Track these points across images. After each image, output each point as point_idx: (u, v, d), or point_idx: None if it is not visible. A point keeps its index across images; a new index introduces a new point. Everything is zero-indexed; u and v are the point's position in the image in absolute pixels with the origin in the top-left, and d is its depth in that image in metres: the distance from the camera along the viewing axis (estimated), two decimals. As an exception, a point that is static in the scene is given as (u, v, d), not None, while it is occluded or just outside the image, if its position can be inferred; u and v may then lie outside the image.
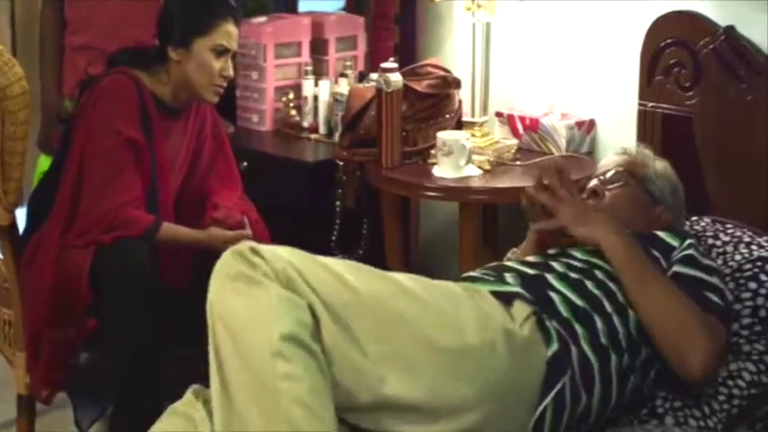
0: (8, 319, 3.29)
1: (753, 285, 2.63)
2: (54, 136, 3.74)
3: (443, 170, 3.44)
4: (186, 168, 3.34)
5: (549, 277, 2.44)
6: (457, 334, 2.20)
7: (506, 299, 2.35)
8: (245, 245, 2.14)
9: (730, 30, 3.11)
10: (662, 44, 3.23)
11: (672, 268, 2.54)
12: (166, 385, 3.16)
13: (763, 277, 2.63)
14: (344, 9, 4.54)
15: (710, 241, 2.79)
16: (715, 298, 2.50)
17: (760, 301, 2.61)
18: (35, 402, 3.32)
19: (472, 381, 2.19)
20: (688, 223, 2.84)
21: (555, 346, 2.29)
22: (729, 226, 2.83)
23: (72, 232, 3.10)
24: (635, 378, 2.44)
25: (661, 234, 2.63)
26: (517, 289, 2.37)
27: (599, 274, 2.48)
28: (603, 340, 2.37)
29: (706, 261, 2.58)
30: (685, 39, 3.18)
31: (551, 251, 2.62)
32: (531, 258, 2.57)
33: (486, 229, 3.80)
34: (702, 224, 2.86)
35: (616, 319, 2.41)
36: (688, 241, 2.60)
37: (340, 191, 3.73)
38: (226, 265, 2.13)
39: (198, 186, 3.37)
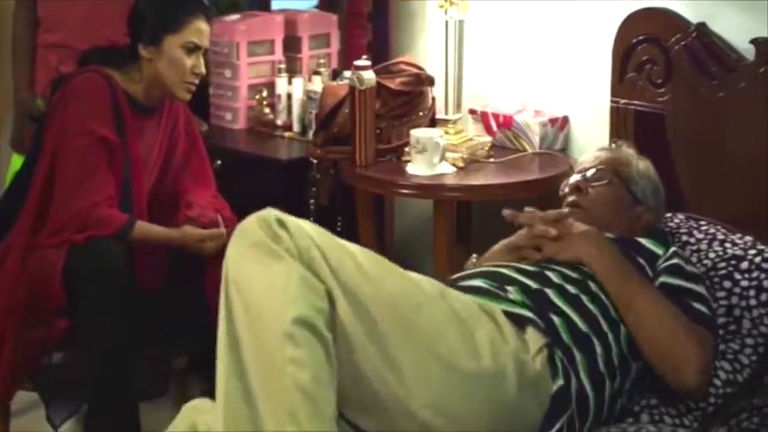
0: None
1: (727, 284, 2.64)
2: (27, 135, 3.72)
3: (417, 168, 3.44)
4: (159, 167, 3.34)
5: (550, 293, 2.42)
6: (472, 356, 2.18)
7: (519, 322, 2.32)
8: (272, 213, 2.10)
9: (702, 26, 3.12)
10: (634, 41, 3.24)
11: (659, 278, 2.54)
12: (140, 385, 3.17)
13: (737, 276, 2.64)
14: (317, 7, 4.53)
15: (684, 238, 2.80)
16: (702, 308, 2.50)
17: (734, 300, 2.62)
18: (10, 403, 3.31)
19: (477, 404, 2.18)
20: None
21: (560, 382, 2.28)
22: (703, 223, 2.85)
23: (44, 232, 3.09)
24: (623, 399, 2.45)
25: (644, 241, 2.63)
26: (530, 314, 2.33)
27: (592, 285, 2.47)
28: (601, 367, 2.36)
29: (690, 269, 2.59)
30: (657, 35, 3.19)
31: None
32: (526, 266, 2.52)
33: (460, 226, 3.81)
34: (676, 221, 2.87)
35: (610, 337, 2.41)
36: (672, 249, 2.61)
37: (314, 189, 3.73)
38: (249, 230, 2.09)
39: (171, 185, 3.36)
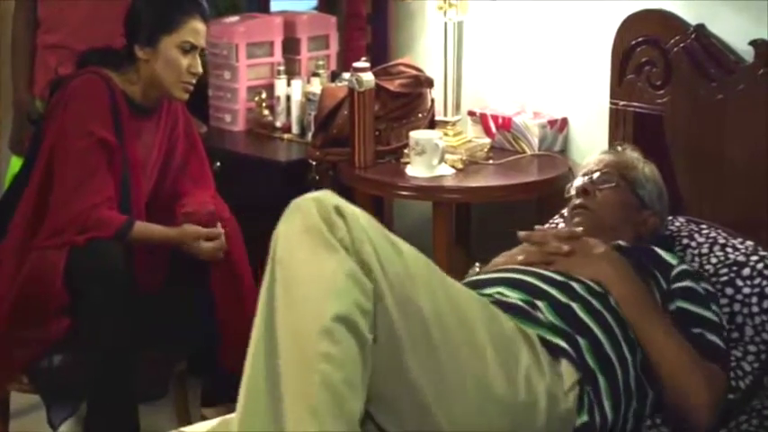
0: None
1: (729, 291, 2.64)
2: (26, 136, 3.72)
3: (416, 169, 3.44)
4: (159, 168, 3.34)
5: (576, 308, 2.38)
6: (507, 383, 2.16)
7: (554, 352, 2.29)
8: (331, 199, 2.05)
9: (701, 28, 3.12)
10: (633, 42, 3.24)
11: (674, 302, 2.51)
12: (140, 387, 3.17)
13: (739, 283, 2.64)
14: (317, 8, 4.54)
15: (685, 241, 2.80)
16: (717, 340, 2.48)
17: (737, 307, 2.62)
18: (9, 404, 3.31)
19: (501, 430, 2.15)
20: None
21: (585, 418, 2.26)
22: (704, 226, 2.84)
23: (43, 233, 3.09)
24: (643, 424, 2.43)
25: (660, 251, 2.61)
26: (565, 345, 2.29)
27: (612, 300, 2.44)
28: (621, 391, 2.34)
29: (704, 286, 2.56)
30: (656, 37, 3.19)
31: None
32: (552, 274, 2.48)
33: (459, 228, 3.81)
34: (677, 224, 2.87)
35: (630, 361, 2.38)
36: (682, 267, 2.58)
37: (313, 190, 3.72)
38: (305, 210, 2.03)
39: (170, 186, 3.37)
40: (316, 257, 1.98)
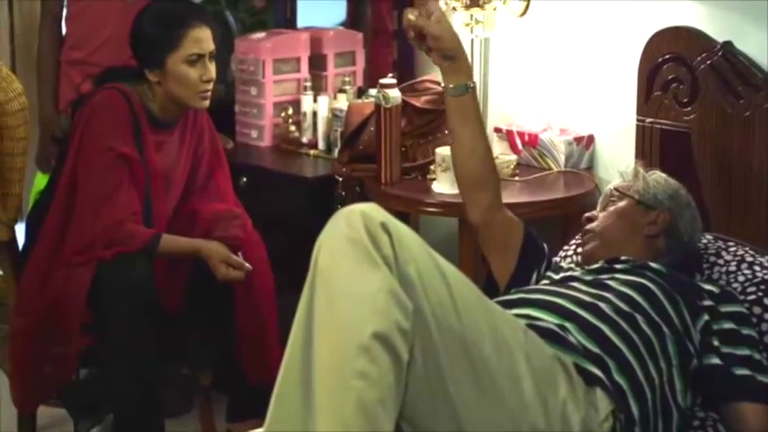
0: (7, 336, 3.29)
1: (757, 310, 2.62)
2: (52, 153, 3.74)
3: (443, 186, 3.44)
4: (184, 183, 3.34)
5: (606, 330, 2.37)
6: (545, 417, 2.15)
7: (589, 380, 2.28)
8: (378, 214, 2.04)
9: (728, 45, 3.11)
10: (659, 60, 3.23)
11: (721, 348, 2.50)
12: (166, 401, 3.18)
13: (767, 301, 2.63)
14: (343, 25, 4.54)
15: (713, 259, 2.78)
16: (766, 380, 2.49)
17: (765, 326, 2.60)
18: (36, 418, 3.32)
19: None
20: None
21: None
22: (731, 244, 2.83)
23: (69, 249, 3.10)
24: None
25: (703, 284, 2.61)
26: (600, 374, 2.28)
27: (640, 320, 2.42)
28: (650, 415, 2.33)
29: (746, 331, 2.55)
30: (683, 54, 3.18)
31: (582, 275, 2.61)
32: (579, 294, 2.48)
33: (485, 244, 3.80)
34: (704, 241, 2.85)
35: (656, 383, 2.38)
36: (727, 308, 2.57)
37: (339, 206, 3.72)
38: (352, 222, 2.02)
39: (194, 202, 3.36)
40: (359, 272, 1.98)
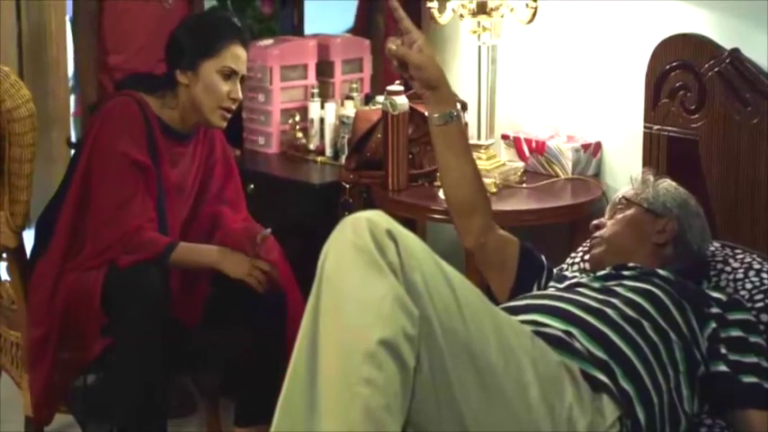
0: (16, 341, 3.30)
1: (765, 318, 2.63)
2: None
3: (449, 192, 3.43)
4: (195, 194, 3.34)
5: (611, 335, 2.38)
6: (551, 423, 2.16)
7: (595, 386, 2.28)
8: (383, 222, 2.05)
9: (735, 52, 3.11)
10: (667, 67, 3.24)
11: (728, 355, 2.50)
12: (175, 406, 3.18)
13: (775, 309, 2.63)
14: (350, 32, 4.55)
15: (720, 266, 2.79)
16: None
17: None
18: (43, 424, 3.32)
19: None
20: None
21: None
22: (738, 251, 2.83)
23: (85, 253, 3.10)
24: None
25: (711, 292, 2.61)
26: (606, 380, 2.28)
27: (647, 326, 2.43)
28: (657, 422, 2.34)
29: (754, 339, 2.55)
30: (690, 62, 3.19)
31: (590, 281, 2.61)
32: (585, 300, 2.49)
33: (492, 251, 3.80)
34: (712, 248, 2.86)
35: (663, 389, 2.38)
36: (735, 316, 2.57)
37: (346, 213, 3.73)
38: (358, 229, 2.04)
39: (207, 212, 3.36)
40: (365, 279, 1.99)
